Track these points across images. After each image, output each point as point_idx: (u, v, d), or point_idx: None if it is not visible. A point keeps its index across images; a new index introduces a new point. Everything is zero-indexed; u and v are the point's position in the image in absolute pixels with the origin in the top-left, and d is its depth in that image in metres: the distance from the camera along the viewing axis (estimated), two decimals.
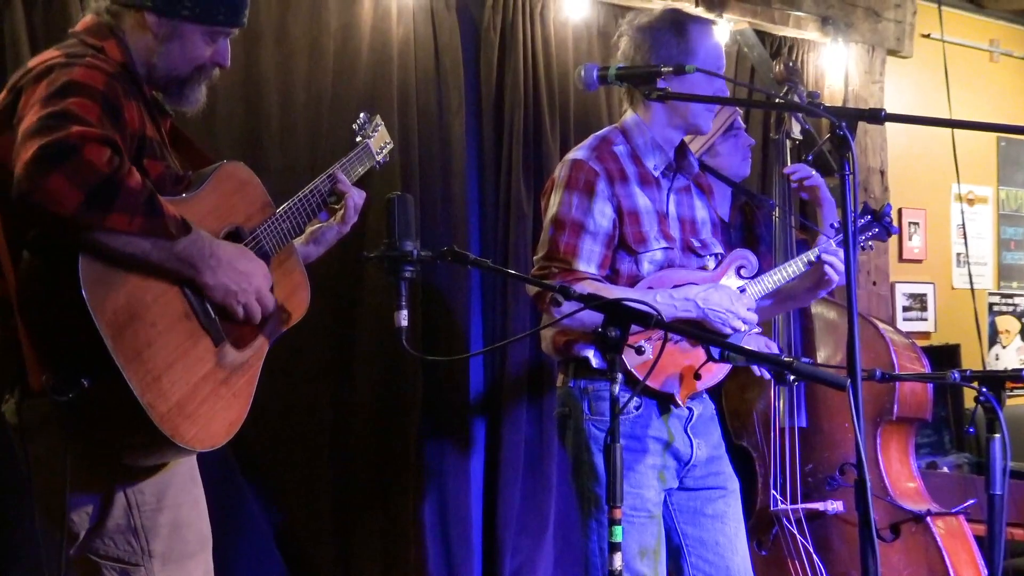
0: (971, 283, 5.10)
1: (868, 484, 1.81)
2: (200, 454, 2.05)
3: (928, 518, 3.37)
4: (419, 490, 3.66)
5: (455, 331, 3.73)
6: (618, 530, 1.88)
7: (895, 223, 3.15)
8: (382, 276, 2.02)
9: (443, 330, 3.71)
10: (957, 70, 5.09)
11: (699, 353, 2.55)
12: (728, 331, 2.53)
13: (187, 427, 1.93)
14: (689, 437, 2.62)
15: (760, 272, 2.74)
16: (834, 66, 4.74)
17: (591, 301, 1.98)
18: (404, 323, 1.98)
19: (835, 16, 4.69)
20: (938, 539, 3.36)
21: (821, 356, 3.62)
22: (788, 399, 3.52)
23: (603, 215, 2.55)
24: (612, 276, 2.58)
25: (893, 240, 5.13)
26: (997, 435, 2.32)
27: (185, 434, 1.93)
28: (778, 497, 3.49)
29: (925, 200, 5.46)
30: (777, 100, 3.51)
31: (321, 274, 3.32)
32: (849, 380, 1.83)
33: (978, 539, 3.44)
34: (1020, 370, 2.41)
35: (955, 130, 4.63)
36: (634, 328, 1.93)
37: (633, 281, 2.58)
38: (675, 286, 2.58)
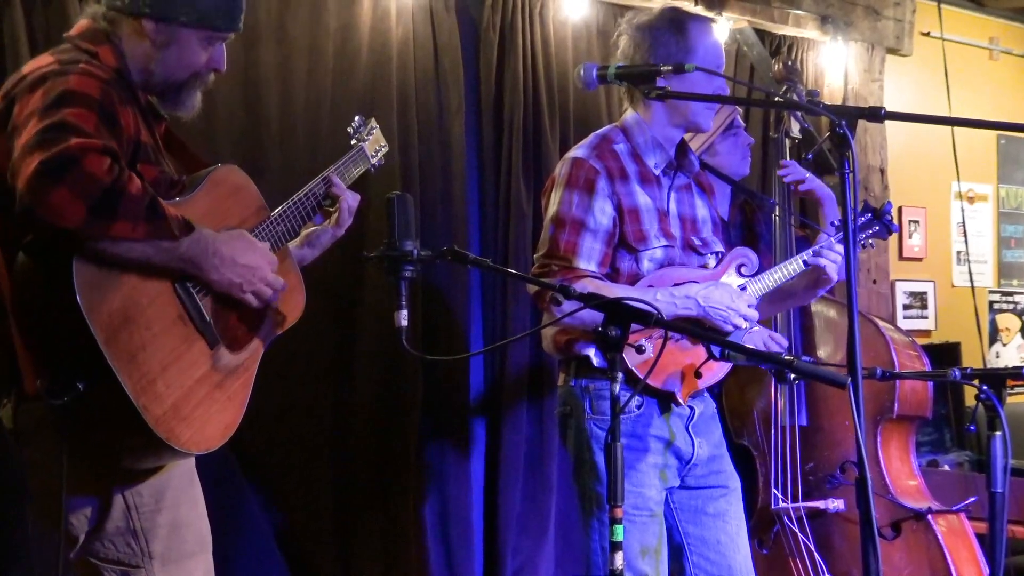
0: (971, 281, 5.09)
1: (869, 482, 1.81)
2: (204, 457, 2.05)
3: (929, 516, 3.37)
4: (420, 490, 3.66)
5: (455, 331, 3.73)
6: (619, 529, 1.88)
7: (895, 221, 3.15)
8: (382, 276, 2.02)
9: (443, 330, 3.71)
10: (957, 68, 5.09)
11: (700, 351, 2.55)
12: (729, 329, 2.53)
13: (182, 430, 1.94)
14: (690, 436, 2.62)
15: (760, 270, 2.74)
16: (834, 64, 4.74)
17: (591, 300, 1.98)
18: (404, 323, 1.99)
19: (834, 14, 4.69)
20: (939, 537, 3.36)
21: (821, 354, 3.62)
22: (789, 397, 3.52)
23: (603, 213, 2.55)
24: (612, 274, 2.58)
25: (893, 238, 5.13)
26: (998, 433, 2.32)
27: (180, 437, 1.93)
28: (779, 496, 3.49)
29: (925, 198, 5.46)
30: (777, 99, 3.51)
31: (321, 275, 3.32)
32: (850, 378, 1.83)
33: (979, 537, 3.43)
34: (1021, 368, 2.41)
35: (955, 128, 4.64)
36: (635, 327, 1.93)
37: (633, 279, 2.58)
38: (675, 284, 2.57)
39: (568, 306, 2.25)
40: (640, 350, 2.46)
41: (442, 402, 3.71)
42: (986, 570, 3.35)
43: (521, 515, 3.82)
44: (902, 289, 5.30)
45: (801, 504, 3.47)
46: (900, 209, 5.25)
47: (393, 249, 1.97)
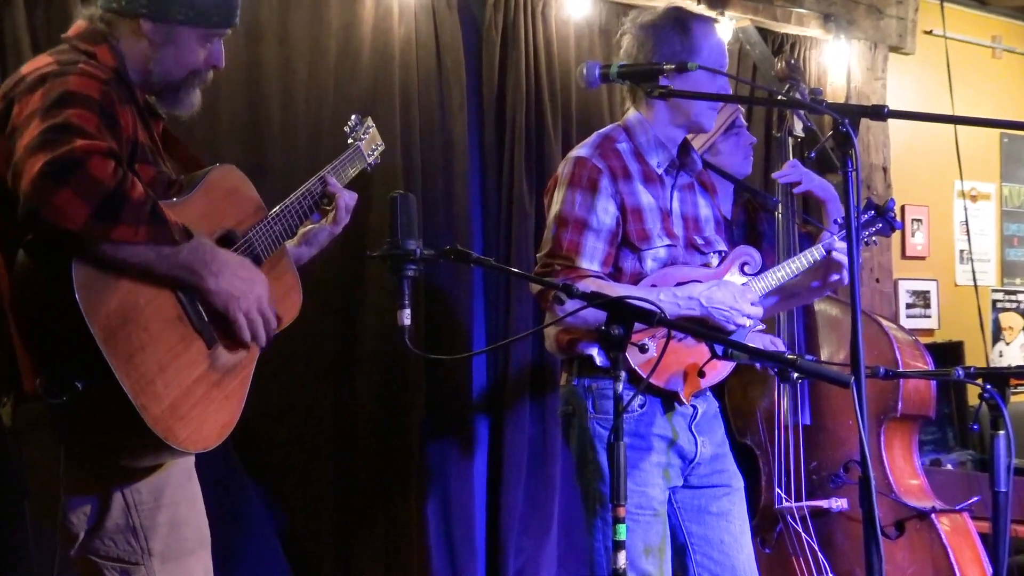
0: (974, 280, 5.08)
1: (873, 481, 1.81)
2: (205, 455, 2.06)
3: (932, 515, 3.37)
4: (422, 490, 3.66)
5: (458, 330, 3.73)
6: (622, 528, 1.88)
7: (898, 219, 3.15)
8: (384, 275, 2.02)
9: (446, 329, 3.70)
10: (959, 66, 5.08)
11: (703, 350, 2.55)
12: (732, 328, 2.53)
13: (180, 429, 1.94)
14: (693, 435, 2.62)
15: (763, 269, 2.74)
16: (836, 63, 4.74)
17: (594, 299, 1.97)
18: (407, 322, 1.98)
19: (837, 13, 4.69)
20: (943, 536, 3.36)
21: (824, 354, 3.61)
22: (792, 397, 3.52)
23: (606, 212, 2.55)
24: (615, 274, 2.58)
25: (896, 237, 5.13)
26: (1002, 432, 2.32)
27: (179, 436, 1.93)
28: (782, 495, 3.48)
29: (928, 197, 5.45)
30: (779, 97, 3.51)
31: (323, 275, 3.34)
32: (853, 377, 1.83)
33: (982, 536, 3.43)
34: None
35: (958, 126, 4.63)
36: (638, 326, 1.93)
37: (636, 279, 2.57)
38: (678, 283, 2.57)
39: (571, 305, 2.25)
40: (643, 349, 2.46)
41: (444, 401, 3.71)
42: (989, 569, 3.34)
43: (524, 515, 3.82)
44: (905, 288, 5.30)
45: (804, 503, 3.47)
46: (903, 208, 5.24)
47: (396, 248, 1.97)
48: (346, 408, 3.55)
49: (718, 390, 2.85)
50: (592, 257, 2.54)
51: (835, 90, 4.75)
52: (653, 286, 2.55)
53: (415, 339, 2.02)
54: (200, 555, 2.14)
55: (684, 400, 2.58)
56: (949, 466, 4.30)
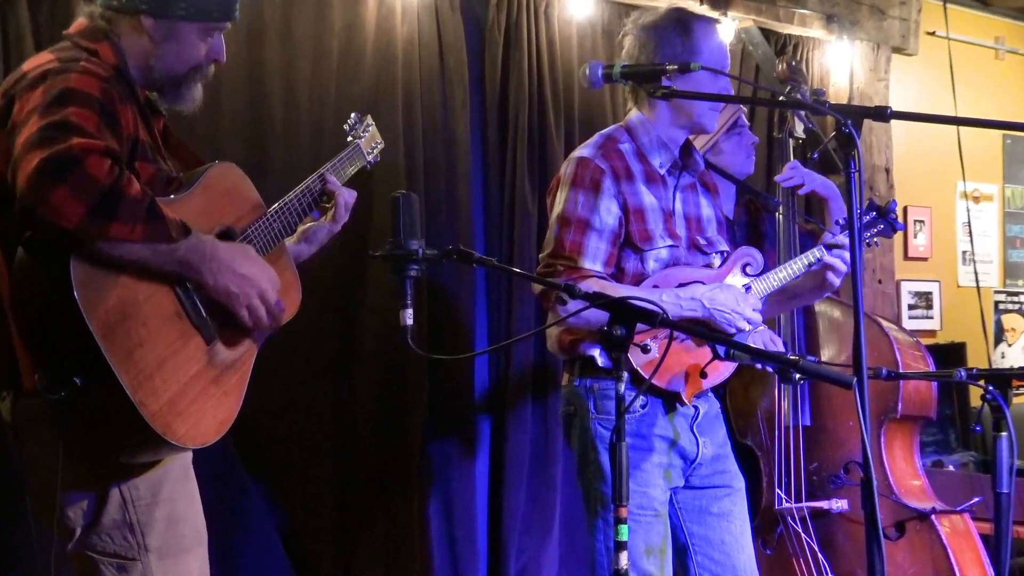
0: (977, 281, 5.09)
1: (874, 483, 1.81)
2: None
3: (933, 516, 3.37)
4: (423, 490, 3.66)
5: (460, 330, 3.73)
6: (624, 529, 1.88)
7: (900, 220, 3.15)
8: (386, 275, 2.02)
9: (448, 329, 3.70)
10: (962, 68, 5.08)
11: (705, 351, 2.55)
12: (733, 331, 2.53)
13: (178, 424, 1.95)
14: (695, 435, 2.62)
15: (765, 270, 2.74)
16: (839, 64, 4.73)
17: (596, 300, 1.97)
18: (409, 322, 1.99)
19: (840, 14, 4.68)
20: (943, 537, 3.36)
21: (825, 355, 3.61)
22: (792, 397, 3.52)
23: (609, 213, 2.55)
24: (617, 274, 2.58)
25: (898, 238, 5.13)
26: (1004, 433, 2.32)
27: (177, 431, 1.94)
28: (783, 496, 3.48)
29: (930, 198, 5.45)
30: (782, 98, 3.51)
31: (324, 274, 3.34)
32: (856, 378, 1.83)
33: (984, 537, 3.43)
34: None
35: (961, 128, 4.63)
36: (640, 327, 1.93)
37: (638, 279, 2.57)
38: (680, 284, 2.57)
39: (573, 306, 2.25)
40: (645, 350, 2.46)
41: (446, 402, 3.71)
42: (990, 571, 3.35)
43: (525, 515, 3.82)
44: (907, 289, 5.29)
45: (805, 504, 3.47)
46: (905, 209, 5.23)
47: (398, 248, 1.97)
48: (346, 407, 3.54)
49: (719, 391, 2.85)
50: (594, 257, 2.54)
51: (838, 91, 4.75)
52: (655, 287, 2.55)
53: (417, 339, 2.02)
54: (197, 552, 2.14)
55: (686, 401, 2.58)
56: (951, 467, 4.29)
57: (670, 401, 2.58)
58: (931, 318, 5.39)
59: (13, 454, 2.11)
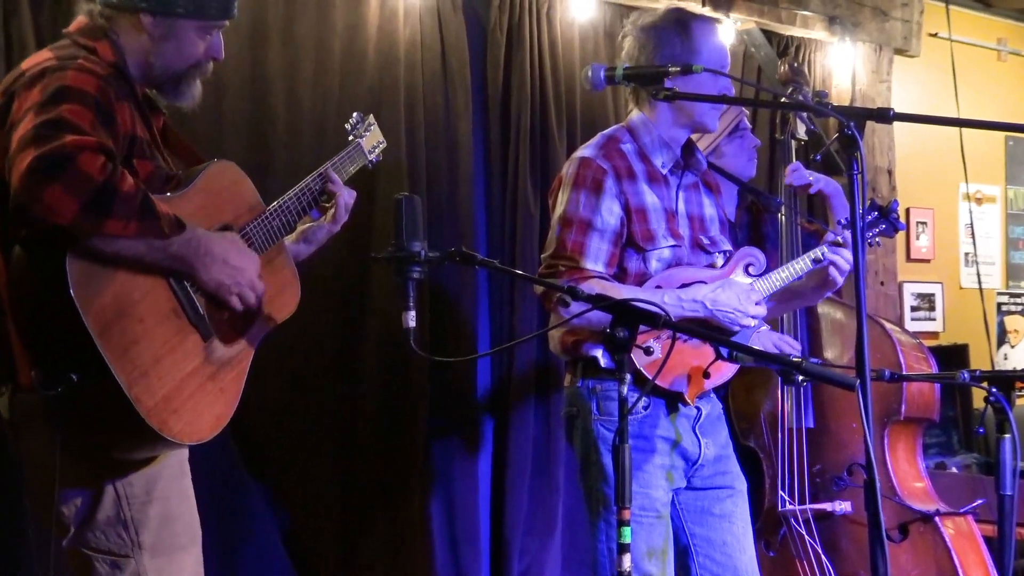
0: (979, 283, 5.08)
1: (878, 485, 1.81)
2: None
3: (936, 518, 3.36)
4: (426, 491, 3.66)
5: (462, 332, 3.73)
6: (627, 530, 1.88)
7: (902, 221, 3.14)
8: (389, 277, 2.02)
9: (450, 331, 3.70)
10: (965, 69, 5.08)
11: (708, 352, 2.54)
12: (736, 329, 2.53)
13: (174, 421, 1.96)
14: (697, 436, 2.62)
15: (767, 271, 2.74)
16: (841, 65, 4.73)
17: (599, 301, 1.97)
18: (412, 324, 1.98)
19: (842, 15, 4.68)
20: (947, 539, 3.35)
21: (828, 356, 3.61)
22: (795, 400, 3.51)
23: (611, 213, 2.55)
24: (620, 274, 2.58)
25: (901, 240, 5.13)
26: (1007, 435, 2.31)
27: (172, 428, 1.95)
28: (786, 498, 3.48)
29: (933, 199, 5.44)
30: (784, 99, 3.51)
31: (327, 275, 3.34)
32: (859, 380, 1.83)
33: (987, 539, 3.42)
34: None
35: (963, 129, 4.63)
36: (642, 327, 1.93)
37: (641, 279, 2.57)
38: (683, 284, 2.57)
39: (576, 307, 2.25)
40: (648, 351, 2.46)
41: (449, 403, 3.71)
42: (994, 573, 3.34)
43: (528, 516, 3.81)
44: (910, 291, 5.29)
45: (808, 506, 3.46)
46: (908, 210, 5.23)
47: (400, 250, 1.97)
48: (348, 407, 3.55)
49: (721, 392, 2.85)
50: (596, 258, 2.54)
51: (840, 92, 4.75)
52: (658, 287, 2.55)
53: (420, 341, 2.02)
54: (191, 551, 2.15)
55: (688, 401, 2.58)
56: (954, 469, 4.29)
57: (672, 402, 2.58)
58: (933, 320, 5.38)
59: (11, 451, 2.11)
